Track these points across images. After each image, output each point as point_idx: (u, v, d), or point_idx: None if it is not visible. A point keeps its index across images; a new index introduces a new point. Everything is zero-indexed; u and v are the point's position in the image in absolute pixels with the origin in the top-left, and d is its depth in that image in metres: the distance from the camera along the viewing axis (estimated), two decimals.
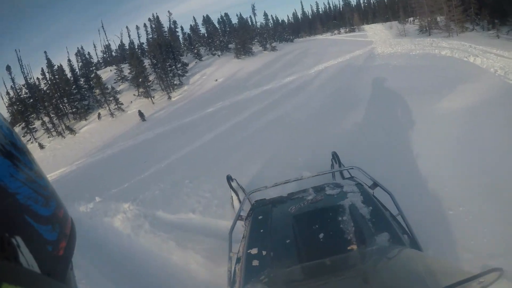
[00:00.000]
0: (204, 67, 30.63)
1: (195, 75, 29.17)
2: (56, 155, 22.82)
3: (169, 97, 25.38)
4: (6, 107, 28.98)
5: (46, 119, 26.66)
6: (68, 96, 27.62)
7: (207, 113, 16.71)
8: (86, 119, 27.32)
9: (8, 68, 28.18)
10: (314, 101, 12.19)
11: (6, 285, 0.30)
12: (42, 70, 29.62)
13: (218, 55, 33.74)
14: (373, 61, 18.06)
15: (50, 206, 0.48)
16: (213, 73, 28.46)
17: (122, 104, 25.96)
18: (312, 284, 1.54)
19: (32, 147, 26.03)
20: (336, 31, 55.01)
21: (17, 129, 29.44)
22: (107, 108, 25.88)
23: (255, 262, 1.82)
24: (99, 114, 26.36)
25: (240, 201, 3.61)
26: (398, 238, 1.77)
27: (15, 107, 28.26)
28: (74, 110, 27.64)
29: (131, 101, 26.68)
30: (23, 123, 27.27)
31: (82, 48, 37.14)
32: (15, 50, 30.35)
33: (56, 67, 29.25)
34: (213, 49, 35.10)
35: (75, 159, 18.86)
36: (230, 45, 35.02)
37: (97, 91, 26.85)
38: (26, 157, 0.48)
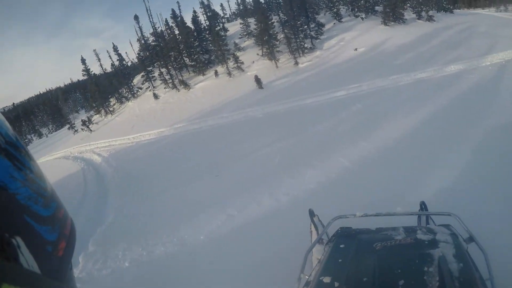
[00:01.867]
0: (343, 30, 24.50)
1: (331, 39, 23.36)
2: (165, 109, 21.41)
3: (296, 63, 20.62)
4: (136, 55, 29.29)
5: (164, 70, 25.55)
6: (189, 48, 25.75)
7: (336, 99, 11.89)
8: (204, 74, 25.25)
9: (136, 17, 27.66)
10: None
11: (6, 285, 0.31)
12: (166, 21, 28.47)
13: (362, 18, 26.98)
14: None
15: (50, 206, 0.48)
16: (353, 40, 22.31)
17: (242, 63, 22.58)
18: None
19: (147, 96, 25.56)
20: (502, 7, 43.87)
21: (138, 78, 29.88)
22: (226, 66, 22.94)
23: None
24: (216, 71, 23.79)
25: (318, 233, 3.07)
26: None
27: (141, 54, 28.16)
28: (193, 63, 25.77)
29: (253, 61, 23.10)
30: (144, 72, 27.01)
31: None
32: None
33: (180, 18, 27.60)
34: (356, 9, 28.35)
35: (177, 120, 16.86)
36: (377, 7, 27.80)
37: (215, 46, 24.09)
38: (26, 158, 0.47)
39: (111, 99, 28.12)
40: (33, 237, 0.42)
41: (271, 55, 21.72)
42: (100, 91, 27.28)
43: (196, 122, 15.17)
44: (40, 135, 48.27)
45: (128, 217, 7.20)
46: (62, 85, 58.36)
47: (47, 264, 0.43)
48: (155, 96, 24.08)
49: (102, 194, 9.33)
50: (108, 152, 16.48)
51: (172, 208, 6.89)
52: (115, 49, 28.85)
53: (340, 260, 1.98)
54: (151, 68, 27.25)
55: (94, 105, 28.32)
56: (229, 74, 22.49)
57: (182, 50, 26.23)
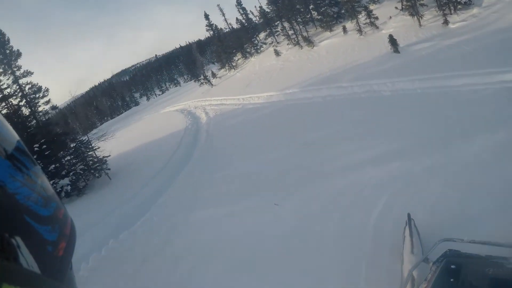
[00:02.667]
0: None
1: None
2: (283, 68, 20.58)
3: (445, 22, 16.07)
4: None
5: (287, 25, 24.13)
6: None
7: (505, 86, 7.45)
8: (331, 30, 22.95)
9: None
10: None
11: (6, 285, 0.31)
12: None
13: None
14: None
15: (50, 206, 0.48)
16: None
17: (376, 18, 19.11)
18: None
19: (269, 52, 24.98)
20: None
21: (263, 35, 29.23)
22: (356, 21, 20.03)
23: None
24: (344, 27, 21.17)
25: (412, 243, 3.13)
26: None
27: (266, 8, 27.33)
28: (320, 17, 23.53)
29: (390, 17, 19.32)
30: (268, 27, 26.21)
31: None
32: None
33: None
34: None
35: (291, 84, 15.91)
36: None
37: None
38: (26, 158, 0.48)
39: (237, 54, 28.78)
40: (33, 237, 0.43)
41: (413, 9, 17.56)
42: (224, 45, 28.05)
43: (308, 89, 13.76)
44: (176, 84, 54.56)
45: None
46: (202, 38, 63.44)
47: (47, 264, 0.44)
48: (276, 53, 23.33)
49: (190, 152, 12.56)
50: (214, 112, 17.27)
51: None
52: (239, 3, 28.82)
53: (451, 280, 1.95)
54: (277, 23, 26.27)
55: (220, 59, 29.60)
56: (360, 31, 19.42)
57: (309, 1, 24.15)
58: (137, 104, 56.75)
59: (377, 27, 19.06)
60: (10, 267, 0.34)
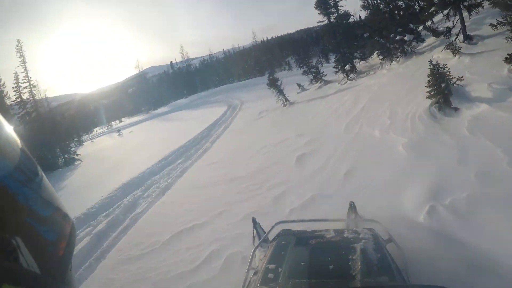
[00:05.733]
0: None
1: None
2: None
3: None
4: None
5: None
6: None
7: None
8: None
9: None
10: None
11: (6, 285, 0.31)
12: None
13: None
14: None
15: (50, 207, 0.48)
16: None
17: None
18: None
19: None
20: None
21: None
22: None
23: (271, 275, 2.07)
24: None
25: (259, 238, 3.55)
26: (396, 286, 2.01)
27: None
28: None
29: None
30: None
31: None
32: None
33: None
34: None
35: None
36: None
37: None
38: (27, 159, 0.48)
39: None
40: (33, 237, 0.42)
41: None
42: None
43: None
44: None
45: None
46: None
47: (47, 264, 0.43)
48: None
49: None
50: None
51: None
52: None
53: (282, 253, 2.32)
54: None
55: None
56: None
57: None
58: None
59: None
60: (10, 267, 0.35)
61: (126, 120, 50.42)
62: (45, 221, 0.46)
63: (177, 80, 63.92)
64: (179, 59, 67.61)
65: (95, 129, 50.08)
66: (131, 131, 29.71)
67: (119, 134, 28.84)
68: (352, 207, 3.93)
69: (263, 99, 20.55)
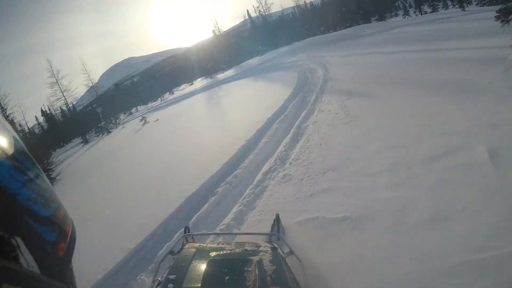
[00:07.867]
0: None
1: None
2: None
3: None
4: None
5: None
6: None
7: None
8: None
9: None
10: None
11: (6, 285, 0.31)
12: None
13: None
14: None
15: (50, 207, 0.48)
16: None
17: None
18: None
19: None
20: None
21: None
22: None
23: (170, 285, 2.20)
24: None
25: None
26: None
27: None
28: None
29: None
30: None
31: None
32: None
33: None
34: None
35: None
36: None
37: None
38: (26, 159, 0.48)
39: None
40: (33, 237, 0.43)
41: None
42: None
43: None
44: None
45: None
46: None
47: (47, 264, 0.44)
48: None
49: None
50: None
51: None
52: None
53: (183, 264, 2.45)
54: None
55: None
56: None
57: None
58: None
59: None
60: (10, 267, 0.35)
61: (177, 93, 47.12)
62: (45, 221, 0.46)
63: (267, 33, 50.52)
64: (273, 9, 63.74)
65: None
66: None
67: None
68: (277, 219, 4.10)
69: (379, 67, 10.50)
